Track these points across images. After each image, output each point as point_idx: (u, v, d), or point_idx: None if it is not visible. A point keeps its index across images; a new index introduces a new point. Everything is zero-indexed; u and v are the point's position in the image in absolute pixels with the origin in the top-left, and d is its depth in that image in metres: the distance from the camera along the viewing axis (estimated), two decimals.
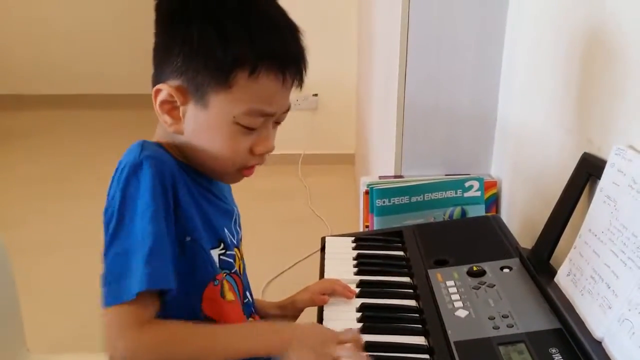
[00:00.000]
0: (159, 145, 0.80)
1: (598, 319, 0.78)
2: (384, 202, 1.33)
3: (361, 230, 1.43)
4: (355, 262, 1.09)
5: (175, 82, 0.76)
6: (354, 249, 1.14)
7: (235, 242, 0.87)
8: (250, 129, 0.77)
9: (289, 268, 2.39)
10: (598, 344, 0.77)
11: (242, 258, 0.90)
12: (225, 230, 0.85)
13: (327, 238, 1.19)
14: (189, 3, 0.75)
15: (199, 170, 0.82)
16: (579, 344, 0.78)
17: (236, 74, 0.74)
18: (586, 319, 0.81)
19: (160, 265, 0.69)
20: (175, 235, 0.73)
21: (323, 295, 0.96)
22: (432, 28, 1.34)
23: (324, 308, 0.97)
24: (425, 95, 1.40)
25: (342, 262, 1.10)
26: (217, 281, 0.80)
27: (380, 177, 1.48)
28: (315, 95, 3.31)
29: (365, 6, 2.59)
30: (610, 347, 0.75)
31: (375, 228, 1.33)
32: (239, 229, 0.91)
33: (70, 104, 4.44)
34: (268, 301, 1.04)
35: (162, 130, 0.82)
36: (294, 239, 2.59)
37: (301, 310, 1.00)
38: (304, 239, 2.46)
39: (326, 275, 1.06)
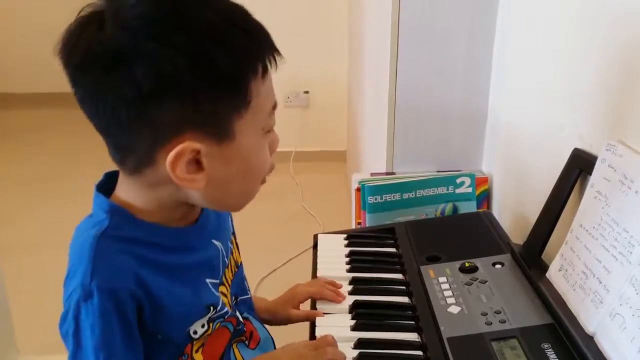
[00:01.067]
0: (124, 216, 0.70)
1: (590, 313, 0.79)
2: (375, 199, 1.33)
3: (353, 227, 1.43)
4: (347, 259, 1.09)
5: (188, 134, 0.64)
6: (346, 246, 1.14)
7: (218, 281, 0.81)
8: (270, 131, 0.72)
9: (282, 266, 2.39)
10: (590, 338, 0.77)
11: (229, 288, 0.84)
12: (208, 282, 0.77)
13: (319, 235, 1.19)
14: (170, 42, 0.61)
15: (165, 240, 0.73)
16: (571, 339, 0.78)
17: (250, 84, 0.65)
18: (578, 314, 0.81)
19: None
20: (144, 336, 0.70)
21: (317, 310, 0.95)
22: (423, 25, 1.34)
23: (317, 305, 0.97)
24: (417, 92, 1.40)
25: (334, 260, 1.09)
26: (186, 355, 0.75)
27: (372, 174, 1.48)
28: (307, 92, 3.30)
29: (356, 3, 2.59)
30: (602, 341, 0.75)
31: (367, 225, 1.33)
32: (226, 260, 0.83)
33: (58, 102, 4.41)
34: (260, 300, 1.03)
35: (136, 188, 0.70)
36: (286, 236, 2.58)
37: (293, 322, 0.99)
38: (296, 236, 2.46)
39: (319, 273, 1.06)
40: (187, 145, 0.64)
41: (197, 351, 0.76)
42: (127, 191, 0.72)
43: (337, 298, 0.97)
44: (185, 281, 0.74)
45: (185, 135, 0.64)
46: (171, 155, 0.64)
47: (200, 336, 0.75)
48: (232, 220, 0.90)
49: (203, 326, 0.75)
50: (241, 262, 0.91)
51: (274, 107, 0.72)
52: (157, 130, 0.64)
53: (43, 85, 4.48)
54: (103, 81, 0.62)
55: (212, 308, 0.76)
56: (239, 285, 0.90)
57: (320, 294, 0.98)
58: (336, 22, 3.10)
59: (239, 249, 0.91)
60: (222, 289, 0.81)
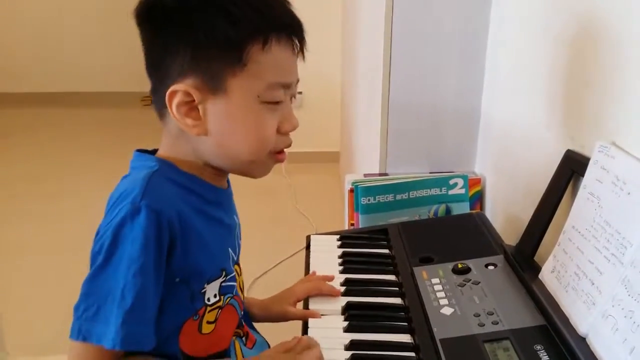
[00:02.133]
0: (169, 165, 0.77)
1: (582, 315, 0.79)
2: (369, 200, 1.33)
3: (346, 228, 1.43)
4: (340, 260, 1.09)
5: (187, 80, 0.73)
6: (339, 247, 1.14)
7: (236, 259, 0.86)
8: (275, 104, 0.76)
9: (275, 266, 2.39)
10: (582, 340, 0.77)
11: (241, 273, 0.89)
12: (230, 251, 0.83)
13: (312, 236, 1.19)
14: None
15: (217, 176, 0.81)
16: (563, 340, 0.78)
17: (250, 49, 0.72)
18: (570, 315, 0.81)
19: (137, 328, 0.68)
20: (165, 276, 0.72)
21: (315, 310, 0.95)
22: (416, 26, 1.34)
23: (309, 304, 0.96)
24: (410, 93, 1.40)
25: (327, 260, 1.09)
26: (197, 316, 0.78)
27: (365, 175, 1.48)
28: (300, 92, 3.30)
29: (349, 4, 2.59)
30: (594, 343, 0.75)
31: (360, 226, 1.33)
32: (240, 242, 0.89)
33: (50, 102, 4.39)
34: (253, 298, 1.03)
35: (170, 140, 0.79)
36: (279, 237, 2.58)
37: (289, 320, 0.99)
38: (289, 237, 2.46)
39: (311, 273, 1.06)
40: (180, 87, 0.73)
41: (209, 322, 0.79)
42: (164, 147, 0.80)
43: (333, 291, 0.97)
44: (215, 234, 0.80)
45: (185, 79, 0.73)
46: (167, 93, 0.73)
47: (213, 305, 0.79)
48: (240, 236, 0.91)
49: (215, 296, 0.79)
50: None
51: (284, 85, 0.77)
52: (166, 72, 0.74)
53: (34, 85, 4.47)
54: (144, 28, 0.76)
55: (224, 273, 0.80)
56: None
57: (318, 288, 0.98)
58: (330, 22, 3.10)
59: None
60: (236, 268, 0.86)
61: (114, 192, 0.75)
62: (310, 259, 1.11)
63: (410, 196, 1.35)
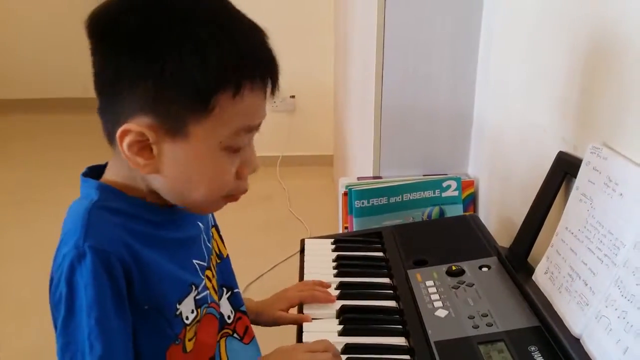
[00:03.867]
0: (111, 191, 0.73)
1: (576, 316, 0.79)
2: (362, 203, 1.33)
3: (340, 231, 1.43)
4: (334, 263, 1.09)
5: (144, 119, 0.67)
6: (334, 250, 1.14)
7: (205, 264, 0.82)
8: (237, 150, 0.72)
9: (269, 270, 2.38)
10: (576, 340, 0.77)
11: (214, 274, 0.86)
12: (194, 263, 0.80)
13: (306, 240, 1.18)
14: (152, 23, 0.65)
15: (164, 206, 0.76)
16: (557, 342, 0.78)
17: (218, 97, 0.66)
18: (564, 316, 0.81)
19: None
20: (132, 306, 0.70)
21: (306, 314, 0.95)
22: (408, 29, 1.35)
23: (304, 308, 0.96)
24: (402, 96, 1.40)
25: (321, 264, 1.09)
26: (179, 340, 0.75)
27: (358, 178, 1.48)
28: (293, 97, 3.30)
29: (341, 7, 2.60)
30: (588, 343, 0.76)
31: (354, 229, 1.33)
32: (208, 244, 0.85)
33: (45, 108, 4.37)
34: (246, 300, 1.02)
35: (121, 167, 0.73)
36: (273, 241, 2.58)
37: (279, 324, 0.99)
38: (283, 241, 2.45)
39: (306, 278, 1.06)
40: (133, 127, 0.67)
41: (190, 339, 0.77)
42: (112, 170, 0.75)
43: (329, 299, 0.97)
44: (171, 255, 0.76)
45: (140, 117, 0.67)
46: (119, 130, 0.67)
47: (192, 322, 0.76)
48: (209, 238, 0.89)
49: (192, 312, 0.76)
50: (227, 255, 0.92)
51: (250, 129, 0.71)
52: (119, 102, 0.68)
53: (30, 91, 4.44)
54: (97, 45, 0.70)
55: (194, 287, 0.77)
56: (229, 277, 0.91)
57: (313, 297, 0.97)
58: (322, 26, 3.11)
59: (224, 243, 0.92)
60: (208, 272, 0.83)
61: (64, 221, 0.72)
62: (305, 263, 1.11)
63: (404, 199, 1.35)
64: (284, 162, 3.33)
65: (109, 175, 0.75)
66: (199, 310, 0.78)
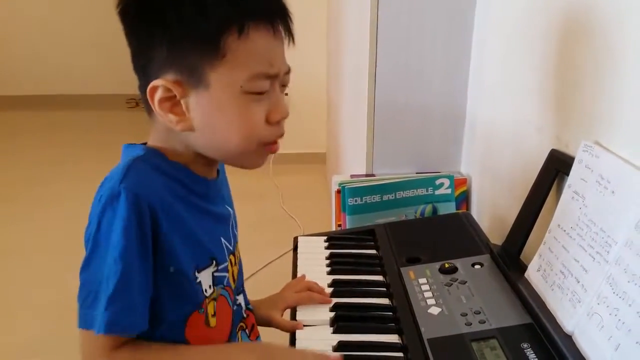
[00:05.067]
0: (155, 152, 0.76)
1: (568, 313, 0.79)
2: (355, 200, 1.33)
3: (333, 229, 1.43)
4: (328, 261, 1.09)
5: (168, 76, 0.72)
6: (327, 248, 1.14)
7: (231, 248, 0.85)
8: (260, 94, 0.74)
9: (262, 268, 2.38)
10: (568, 337, 0.78)
11: (237, 263, 0.88)
12: (222, 241, 0.83)
13: (299, 237, 1.18)
14: None
15: (203, 168, 0.80)
16: (549, 339, 0.79)
17: (225, 38, 0.70)
18: (556, 313, 0.82)
19: (120, 313, 0.68)
20: (159, 266, 0.72)
21: (298, 322, 0.94)
22: (401, 26, 1.35)
23: (297, 309, 0.96)
24: (395, 94, 1.40)
25: (314, 262, 1.09)
26: (203, 309, 0.78)
27: (351, 176, 1.48)
28: (286, 94, 3.29)
29: (334, 4, 2.59)
30: (580, 340, 0.76)
31: (347, 227, 1.33)
32: (235, 232, 0.89)
33: (38, 105, 4.35)
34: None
35: (159, 134, 0.78)
36: (266, 239, 2.57)
37: (271, 326, 0.98)
38: (276, 238, 2.45)
39: (299, 275, 1.05)
40: (159, 82, 0.72)
41: (212, 315, 0.80)
42: (154, 138, 0.79)
43: (326, 300, 0.97)
44: (200, 222, 0.78)
45: (164, 75, 0.72)
46: (148, 89, 0.72)
47: (209, 296, 0.79)
48: (236, 226, 0.91)
49: (210, 287, 0.79)
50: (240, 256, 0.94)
51: (268, 76, 0.74)
52: (146, 68, 0.73)
53: (23, 88, 4.41)
54: (124, 26, 0.75)
55: (214, 262, 0.80)
56: (241, 276, 0.93)
57: (310, 298, 0.97)
58: (315, 24, 3.10)
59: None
60: (231, 257, 0.85)
61: (102, 182, 0.74)
62: (298, 260, 1.11)
63: (397, 197, 1.35)
64: (277, 159, 3.32)
65: (151, 143, 0.79)
66: (215, 288, 0.80)
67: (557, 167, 0.95)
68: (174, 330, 0.76)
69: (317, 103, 3.24)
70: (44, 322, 2.01)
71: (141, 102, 0.78)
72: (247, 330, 0.91)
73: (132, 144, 0.80)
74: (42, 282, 2.24)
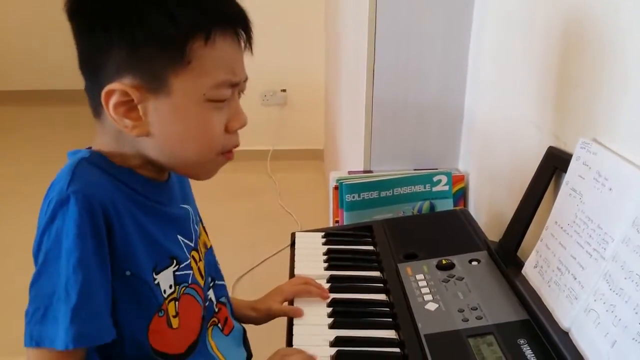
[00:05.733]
0: (100, 156, 0.73)
1: (565, 309, 0.80)
2: (353, 197, 1.33)
3: (331, 225, 1.43)
4: (325, 257, 1.09)
5: (126, 80, 0.68)
6: (324, 244, 1.14)
7: (192, 245, 0.83)
8: (221, 102, 0.72)
9: (259, 264, 2.38)
10: (565, 334, 0.78)
11: (201, 258, 0.86)
12: (179, 239, 0.80)
13: (297, 234, 1.18)
14: None
15: (150, 177, 0.77)
16: (546, 335, 0.79)
17: (192, 45, 0.68)
18: (553, 309, 0.82)
19: (88, 324, 0.65)
20: (115, 270, 0.69)
21: (298, 308, 0.94)
22: (399, 24, 1.34)
23: (294, 302, 0.96)
24: (394, 90, 1.40)
25: (312, 258, 1.09)
26: (163, 311, 0.75)
27: (349, 172, 1.48)
28: (284, 90, 3.29)
29: (332, 2, 2.59)
30: (577, 337, 0.76)
31: (345, 223, 1.33)
32: (197, 227, 0.86)
33: (30, 100, 4.33)
34: (241, 300, 1.02)
35: (107, 136, 0.74)
36: (263, 235, 2.57)
37: (275, 317, 0.98)
38: (273, 234, 2.45)
39: (296, 271, 1.06)
40: (116, 86, 0.68)
41: (174, 316, 0.77)
42: (101, 142, 0.75)
43: (323, 294, 0.96)
44: (154, 222, 0.76)
45: (122, 78, 0.69)
46: (103, 92, 0.69)
47: (169, 297, 0.76)
48: (198, 222, 0.89)
49: (170, 287, 0.76)
50: (211, 246, 0.92)
51: (231, 84, 0.73)
52: (101, 70, 0.69)
53: (15, 83, 4.40)
54: (75, 23, 0.72)
55: (175, 261, 0.77)
56: (213, 268, 0.91)
57: (307, 291, 0.97)
58: (313, 20, 3.10)
59: (208, 236, 0.92)
60: (194, 254, 0.83)
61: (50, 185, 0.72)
62: (295, 256, 1.11)
63: (395, 193, 1.35)
64: (275, 156, 3.32)
65: (97, 147, 0.76)
66: (177, 287, 0.77)
67: (554, 164, 0.95)
68: (137, 338, 0.73)
69: (315, 99, 3.24)
70: None
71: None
72: (220, 325, 0.89)
73: (76, 149, 0.76)
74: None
